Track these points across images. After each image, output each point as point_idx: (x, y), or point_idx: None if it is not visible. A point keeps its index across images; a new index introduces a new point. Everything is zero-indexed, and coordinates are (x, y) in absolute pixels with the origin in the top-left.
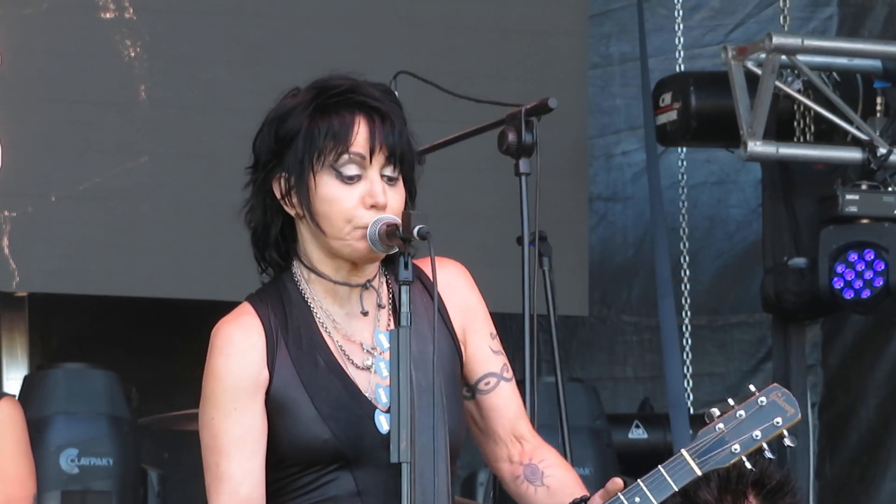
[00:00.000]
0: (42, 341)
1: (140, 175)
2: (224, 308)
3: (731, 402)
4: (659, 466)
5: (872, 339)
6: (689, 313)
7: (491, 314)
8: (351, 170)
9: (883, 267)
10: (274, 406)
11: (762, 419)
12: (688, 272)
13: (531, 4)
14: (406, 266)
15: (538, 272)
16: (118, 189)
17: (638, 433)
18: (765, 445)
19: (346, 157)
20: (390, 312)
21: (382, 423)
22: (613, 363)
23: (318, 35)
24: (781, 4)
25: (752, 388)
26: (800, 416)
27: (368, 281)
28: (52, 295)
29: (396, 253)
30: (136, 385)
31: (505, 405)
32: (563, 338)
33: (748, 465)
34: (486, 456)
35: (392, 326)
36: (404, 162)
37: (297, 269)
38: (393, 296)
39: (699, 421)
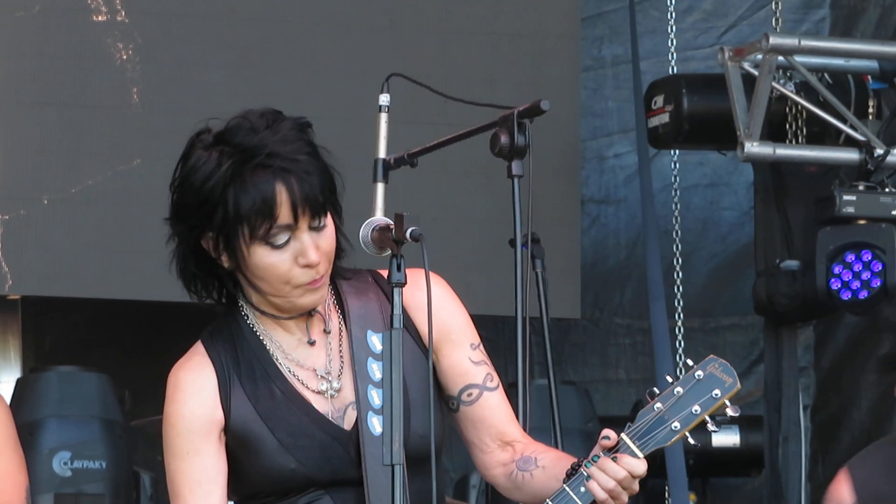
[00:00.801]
0: (35, 344)
1: (132, 178)
2: (216, 312)
3: (669, 379)
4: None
5: (865, 342)
6: (681, 315)
7: (483, 317)
8: (281, 239)
9: (880, 268)
10: (236, 443)
11: (700, 393)
12: (680, 274)
13: (524, 7)
14: (399, 268)
15: (531, 274)
16: (111, 192)
17: None
18: (707, 419)
19: (274, 230)
20: (341, 334)
21: (375, 424)
22: (606, 366)
23: (310, 38)
24: (774, 7)
25: (689, 362)
26: (738, 385)
27: (314, 308)
28: (44, 298)
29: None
30: (128, 388)
31: (491, 415)
32: (555, 340)
33: (691, 441)
34: (478, 466)
35: (344, 342)
36: (327, 205)
37: (243, 304)
38: (343, 306)
39: None
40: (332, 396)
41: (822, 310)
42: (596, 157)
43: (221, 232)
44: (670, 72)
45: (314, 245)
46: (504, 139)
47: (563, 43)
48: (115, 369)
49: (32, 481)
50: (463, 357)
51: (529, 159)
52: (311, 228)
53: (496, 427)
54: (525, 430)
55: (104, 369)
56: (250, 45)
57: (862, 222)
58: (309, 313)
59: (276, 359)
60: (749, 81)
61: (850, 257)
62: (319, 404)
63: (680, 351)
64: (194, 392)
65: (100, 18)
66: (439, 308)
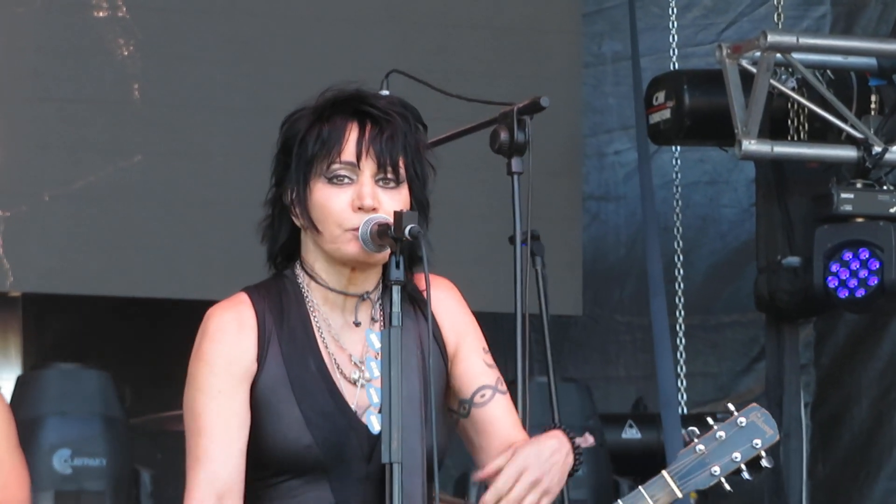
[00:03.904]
0: (36, 341)
1: (133, 174)
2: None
3: (710, 420)
4: (640, 486)
5: (865, 339)
6: (682, 313)
7: (483, 314)
8: (341, 175)
9: (878, 266)
10: (258, 402)
11: (741, 440)
12: (681, 271)
13: (524, 2)
14: (398, 266)
15: (531, 271)
16: (112, 188)
17: (631, 433)
18: (743, 467)
19: (336, 164)
20: (384, 325)
21: (374, 423)
22: (606, 363)
23: (311, 34)
24: (775, 3)
25: (730, 406)
26: (778, 437)
27: (367, 292)
28: (45, 295)
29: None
30: (129, 385)
31: (501, 417)
32: (554, 338)
33: (727, 488)
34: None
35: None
36: (399, 169)
37: (299, 273)
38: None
39: (692, 421)
40: (361, 386)
41: (824, 306)
42: (596, 153)
43: (297, 175)
44: (671, 68)
45: (374, 195)
46: (504, 136)
47: (564, 39)
48: (116, 366)
49: (33, 479)
50: (477, 360)
51: (529, 156)
52: (378, 181)
53: (505, 430)
54: (525, 427)
55: (105, 366)
56: (251, 41)
57: (860, 220)
58: (361, 297)
59: (320, 333)
60: (747, 79)
61: (848, 255)
62: (347, 391)
63: (681, 348)
64: (238, 337)
65: (100, 14)
66: (458, 312)
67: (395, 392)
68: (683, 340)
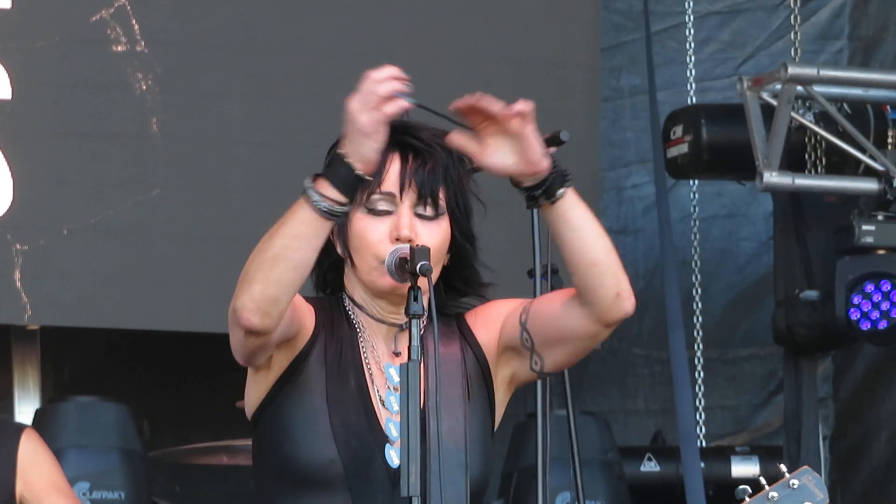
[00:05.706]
0: (54, 374)
1: (152, 208)
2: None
3: (762, 481)
4: None
5: (884, 372)
6: (700, 346)
7: None
8: (381, 205)
9: None
10: (289, 404)
11: (793, 503)
12: (699, 305)
13: (543, 36)
14: (416, 299)
15: None
16: (130, 222)
17: (650, 466)
18: None
19: (376, 195)
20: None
21: (393, 457)
22: (625, 396)
23: (330, 68)
24: (792, 37)
25: (783, 468)
26: (828, 501)
27: (407, 322)
28: (63, 328)
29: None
30: (147, 418)
31: (542, 301)
32: (573, 371)
33: None
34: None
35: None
36: (438, 201)
37: (346, 299)
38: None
39: (711, 454)
40: (395, 413)
41: (842, 340)
42: (614, 187)
43: None
44: (689, 102)
45: (412, 226)
46: None
47: (582, 73)
48: (135, 399)
49: None
50: (510, 318)
51: None
52: (418, 215)
53: (556, 301)
54: (545, 461)
55: (123, 399)
56: (269, 75)
57: (881, 252)
58: (401, 327)
59: (365, 353)
60: (768, 111)
61: (870, 287)
62: (382, 415)
63: (699, 382)
64: (301, 302)
65: (119, 48)
66: (487, 315)
67: (413, 427)
68: (702, 374)
